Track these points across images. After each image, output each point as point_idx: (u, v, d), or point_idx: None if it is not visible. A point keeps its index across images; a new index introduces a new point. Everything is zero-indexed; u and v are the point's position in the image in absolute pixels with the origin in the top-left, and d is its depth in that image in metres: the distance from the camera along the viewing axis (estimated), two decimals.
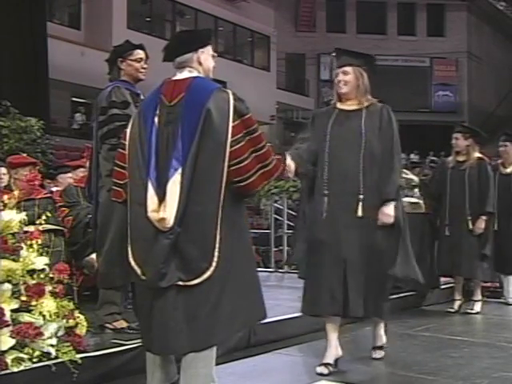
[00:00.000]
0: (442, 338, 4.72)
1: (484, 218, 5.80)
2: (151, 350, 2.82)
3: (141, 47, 4.11)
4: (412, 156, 29.59)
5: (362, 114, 3.76)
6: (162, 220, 2.68)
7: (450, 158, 6.13)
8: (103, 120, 3.93)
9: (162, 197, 2.70)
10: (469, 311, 5.87)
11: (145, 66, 4.09)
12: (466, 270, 5.85)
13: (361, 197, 3.63)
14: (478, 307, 5.92)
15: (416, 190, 8.52)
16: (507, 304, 6.37)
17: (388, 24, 31.20)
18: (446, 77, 31.23)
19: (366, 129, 3.71)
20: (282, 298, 5.89)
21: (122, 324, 3.93)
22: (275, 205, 9.69)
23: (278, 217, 9.59)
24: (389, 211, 3.63)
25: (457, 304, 5.97)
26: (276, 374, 3.79)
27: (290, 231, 9.41)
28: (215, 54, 3.02)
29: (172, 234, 2.66)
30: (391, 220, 3.63)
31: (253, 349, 4.21)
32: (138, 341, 3.47)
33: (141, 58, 4.07)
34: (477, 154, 5.97)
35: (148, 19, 23.28)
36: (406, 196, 7.86)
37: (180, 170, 2.68)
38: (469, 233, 5.79)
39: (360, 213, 3.62)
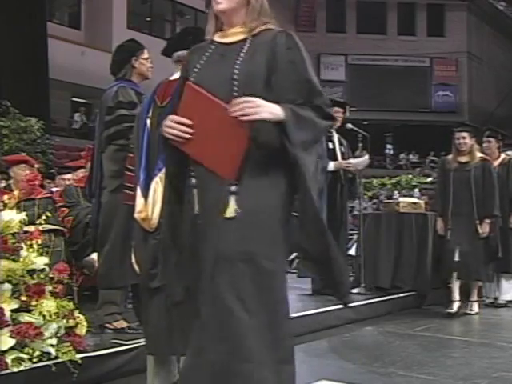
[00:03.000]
0: (441, 337, 4.72)
1: (489, 221, 5.67)
2: (148, 351, 2.83)
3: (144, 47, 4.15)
4: (412, 156, 29.65)
5: (244, 47, 2.19)
6: (146, 220, 2.69)
7: (450, 158, 5.94)
8: (110, 120, 3.91)
9: (146, 197, 2.72)
10: (467, 312, 5.78)
11: (151, 64, 4.11)
12: (474, 272, 5.70)
13: (233, 188, 2.03)
14: (475, 307, 5.83)
15: (416, 190, 8.53)
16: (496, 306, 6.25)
17: (388, 24, 31.19)
18: (446, 77, 31.22)
19: (243, 72, 2.11)
20: None
21: (122, 324, 3.93)
22: None
23: None
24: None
25: (456, 305, 5.80)
26: None
27: None
28: None
29: (159, 234, 2.63)
30: None
31: None
32: (138, 341, 3.47)
33: (148, 57, 4.10)
34: (479, 154, 5.85)
35: (148, 19, 23.29)
36: (405, 196, 7.86)
37: (164, 170, 2.63)
38: (475, 236, 5.65)
39: (231, 212, 2.03)
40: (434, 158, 25.09)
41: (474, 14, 32.11)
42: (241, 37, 2.24)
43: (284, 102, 2.05)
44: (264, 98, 2.04)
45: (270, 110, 2.00)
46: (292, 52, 2.20)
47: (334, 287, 2.19)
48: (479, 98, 31.56)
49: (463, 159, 5.80)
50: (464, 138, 5.76)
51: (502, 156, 6.43)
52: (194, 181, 2.15)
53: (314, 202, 2.03)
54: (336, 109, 6.24)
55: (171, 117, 2.09)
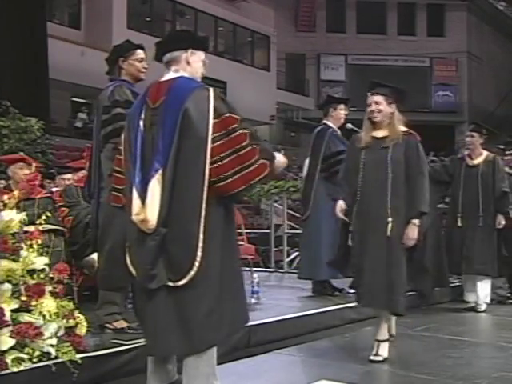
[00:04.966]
0: (441, 337, 4.71)
1: (416, 222, 3.79)
2: (147, 352, 2.84)
3: (141, 47, 4.13)
4: None
5: None
6: (144, 222, 2.69)
7: (362, 134, 4.08)
8: (107, 119, 3.93)
9: (144, 199, 2.71)
10: (372, 359, 3.84)
11: (145, 65, 4.10)
12: (388, 301, 4.04)
13: None
14: (384, 351, 3.87)
15: None
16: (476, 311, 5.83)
17: (388, 24, 31.17)
18: (446, 77, 31.20)
19: None
20: (281, 298, 5.90)
21: (122, 324, 3.93)
22: (275, 205, 9.70)
23: None
24: None
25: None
26: (276, 374, 3.79)
27: (291, 231, 9.45)
28: (206, 61, 2.99)
29: (157, 236, 2.66)
30: None
31: (253, 349, 4.21)
32: (138, 341, 3.47)
33: (142, 58, 4.09)
34: (402, 128, 4.02)
35: (148, 19, 23.26)
36: None
37: (160, 171, 2.69)
38: (387, 243, 3.79)
39: None
40: (433, 158, 24.95)
41: (474, 14, 32.11)
42: None
43: None
44: None
45: None
46: None
47: None
48: (479, 98, 31.55)
49: (379, 134, 3.97)
50: (377, 103, 3.96)
51: (486, 153, 6.00)
52: None
53: None
54: (341, 106, 6.19)
55: None
